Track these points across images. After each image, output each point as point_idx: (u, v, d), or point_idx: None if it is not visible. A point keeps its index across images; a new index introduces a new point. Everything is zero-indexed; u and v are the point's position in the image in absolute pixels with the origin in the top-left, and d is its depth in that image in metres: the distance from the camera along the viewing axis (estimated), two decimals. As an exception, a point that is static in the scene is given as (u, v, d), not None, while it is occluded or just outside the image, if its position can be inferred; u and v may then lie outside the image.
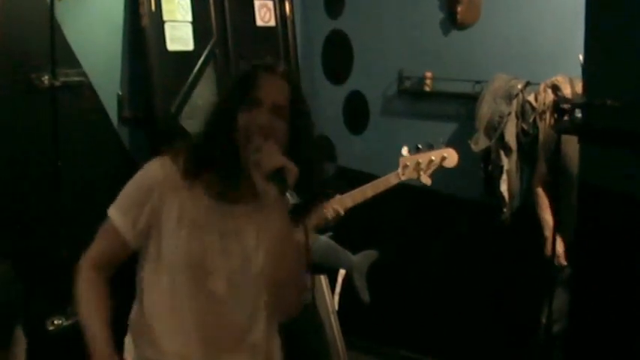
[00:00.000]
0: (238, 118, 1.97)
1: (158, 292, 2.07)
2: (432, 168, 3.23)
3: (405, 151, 3.20)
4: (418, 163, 3.19)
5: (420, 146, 3.22)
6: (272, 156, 1.91)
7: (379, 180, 3.16)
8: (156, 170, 2.05)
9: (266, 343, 2.18)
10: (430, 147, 3.24)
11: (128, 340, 2.17)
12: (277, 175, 1.89)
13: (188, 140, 2.12)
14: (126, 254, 2.09)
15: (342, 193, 3.10)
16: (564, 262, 3.65)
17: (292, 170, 1.90)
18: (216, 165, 2.01)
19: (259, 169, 1.91)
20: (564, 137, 3.27)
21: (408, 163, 3.18)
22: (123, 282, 2.17)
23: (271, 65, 2.07)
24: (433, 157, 3.21)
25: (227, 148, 1.97)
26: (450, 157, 3.25)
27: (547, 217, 3.75)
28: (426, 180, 3.22)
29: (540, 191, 3.84)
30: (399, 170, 3.18)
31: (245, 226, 2.07)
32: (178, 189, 2.02)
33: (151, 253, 2.06)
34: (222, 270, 2.04)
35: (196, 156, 2.03)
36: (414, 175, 3.20)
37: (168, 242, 2.02)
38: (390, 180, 3.18)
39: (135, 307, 2.15)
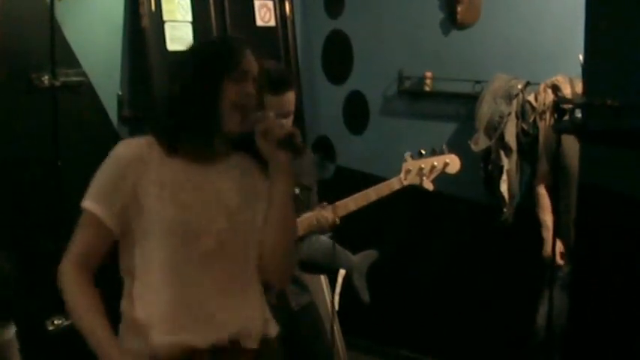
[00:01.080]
0: (225, 88, 2.06)
1: (155, 269, 2.04)
2: (435, 174, 3.23)
3: (407, 156, 3.21)
4: (421, 169, 3.19)
5: (422, 152, 3.22)
6: (281, 124, 2.09)
7: (382, 184, 3.16)
8: (123, 151, 2.08)
9: (255, 306, 2.19)
10: (433, 152, 3.24)
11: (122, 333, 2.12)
12: (288, 141, 2.04)
13: (158, 108, 2.16)
14: (108, 245, 2.08)
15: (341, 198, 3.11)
16: (562, 262, 3.65)
17: (298, 134, 2.06)
18: (196, 128, 2.07)
19: (268, 137, 2.06)
20: (564, 137, 3.27)
21: (411, 169, 3.18)
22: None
23: (246, 41, 2.25)
24: (436, 163, 3.21)
25: (210, 113, 2.06)
26: (453, 163, 3.25)
27: (547, 217, 3.75)
28: (428, 186, 3.23)
29: (542, 191, 3.83)
30: (402, 175, 3.18)
31: (225, 184, 2.12)
32: (150, 161, 2.05)
33: (137, 233, 2.05)
34: (210, 229, 2.06)
35: (177, 120, 2.07)
36: (417, 181, 3.20)
37: (154, 212, 2.02)
38: (393, 185, 3.18)
39: (126, 301, 2.10)
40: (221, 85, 2.06)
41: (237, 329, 2.10)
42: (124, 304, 2.10)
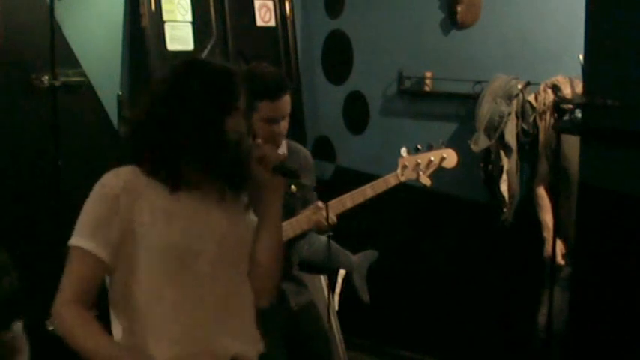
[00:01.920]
0: (226, 124, 2.05)
1: (154, 295, 2.04)
2: (432, 169, 3.22)
3: (404, 151, 3.19)
4: (417, 164, 3.18)
5: (419, 147, 3.21)
6: (274, 151, 2.15)
7: (378, 181, 3.15)
8: (112, 181, 2.05)
9: (252, 327, 2.22)
10: (429, 148, 3.23)
11: None
12: (282, 166, 2.12)
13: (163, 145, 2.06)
14: (101, 279, 2.06)
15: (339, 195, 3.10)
16: (562, 262, 3.65)
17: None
18: (204, 162, 2.07)
19: (264, 163, 2.10)
20: (564, 137, 3.27)
21: (407, 164, 3.17)
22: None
23: (237, 71, 2.17)
24: (432, 158, 3.20)
25: (220, 151, 2.06)
26: (450, 157, 3.24)
27: (547, 217, 3.75)
28: (425, 181, 3.21)
29: (542, 191, 3.84)
30: (398, 171, 3.17)
31: (212, 210, 2.13)
32: (140, 190, 2.03)
33: (132, 264, 2.03)
34: (204, 253, 2.08)
35: (182, 153, 2.05)
36: (413, 176, 3.19)
37: (149, 239, 2.02)
38: (390, 181, 3.17)
39: (120, 330, 2.09)
40: (223, 121, 2.06)
41: (238, 351, 2.12)
42: (121, 338, 2.09)
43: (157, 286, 2.03)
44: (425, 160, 3.19)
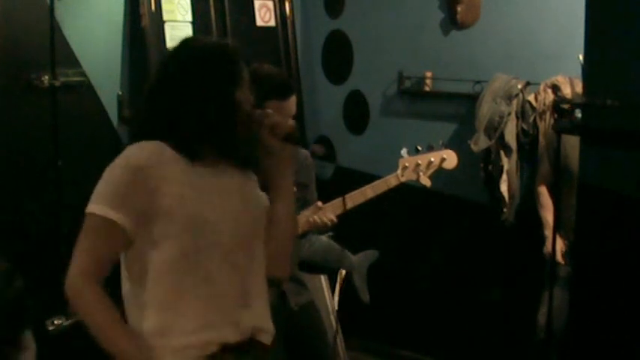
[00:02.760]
0: (236, 96, 2.08)
1: (176, 269, 2.01)
2: (432, 169, 3.22)
3: (404, 152, 3.20)
4: (417, 165, 3.18)
5: (419, 148, 3.21)
6: (284, 119, 2.16)
7: (379, 181, 3.15)
8: (137, 152, 2.01)
9: (266, 303, 2.21)
10: (430, 148, 3.23)
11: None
12: (293, 135, 2.15)
13: (181, 120, 2.07)
14: (121, 248, 2.01)
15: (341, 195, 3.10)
16: (561, 260, 3.65)
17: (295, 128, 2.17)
18: (222, 136, 2.08)
19: (275, 131, 2.12)
20: (565, 137, 3.27)
21: (407, 165, 3.18)
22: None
23: (233, 44, 2.21)
24: (432, 159, 3.20)
25: (234, 120, 2.08)
26: (450, 158, 3.24)
27: (548, 215, 3.75)
28: (425, 181, 3.22)
29: (543, 190, 3.83)
30: (399, 172, 3.18)
31: (229, 185, 2.13)
32: (165, 163, 2.01)
33: (154, 237, 1.99)
34: (226, 227, 2.07)
35: (201, 129, 2.05)
36: (413, 177, 3.19)
37: (173, 211, 1.98)
38: (390, 181, 3.17)
39: (134, 309, 2.05)
40: (234, 94, 2.08)
41: (256, 324, 2.12)
42: (132, 314, 2.04)
43: (181, 259, 2.00)
44: (425, 161, 3.19)
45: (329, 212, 3.02)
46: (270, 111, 2.19)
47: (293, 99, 2.94)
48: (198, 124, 2.05)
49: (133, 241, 1.99)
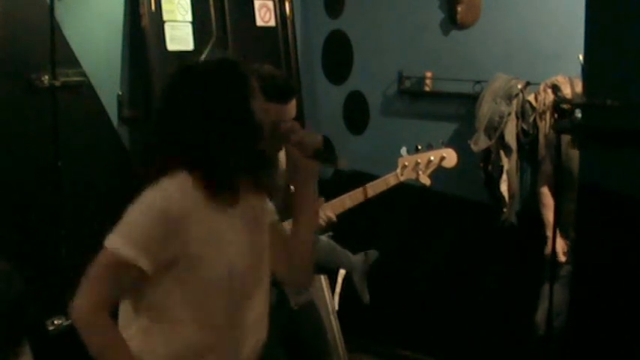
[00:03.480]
0: (254, 109, 1.99)
1: (189, 316, 1.99)
2: (431, 168, 3.23)
3: (403, 151, 3.20)
4: (417, 164, 3.19)
5: (419, 147, 3.21)
6: (312, 135, 2.09)
7: (378, 180, 3.16)
8: (176, 199, 1.91)
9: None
10: (429, 147, 3.23)
11: None
12: (321, 152, 2.08)
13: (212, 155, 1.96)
14: (136, 284, 1.96)
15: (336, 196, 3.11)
16: (562, 258, 3.65)
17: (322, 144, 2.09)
18: (253, 163, 2.03)
19: (302, 147, 2.06)
20: (565, 137, 3.27)
21: (407, 164, 3.18)
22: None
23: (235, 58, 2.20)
24: (432, 157, 3.20)
25: (261, 151, 2.03)
26: (449, 157, 3.25)
27: (550, 216, 3.75)
28: (424, 180, 3.22)
29: (545, 190, 3.83)
30: (398, 171, 3.18)
31: (245, 217, 2.08)
32: (199, 208, 1.94)
33: (180, 277, 1.95)
34: (251, 269, 2.06)
35: (234, 159, 1.98)
36: (413, 176, 3.20)
37: (206, 261, 1.95)
38: (389, 180, 3.18)
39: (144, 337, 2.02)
40: (250, 107, 2.00)
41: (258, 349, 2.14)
42: (138, 340, 2.01)
43: (198, 303, 1.98)
44: (424, 160, 3.19)
45: (328, 210, 3.02)
46: (297, 125, 2.15)
47: (293, 102, 2.93)
48: (230, 150, 1.95)
49: (151, 277, 1.94)
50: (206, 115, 1.95)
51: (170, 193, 1.92)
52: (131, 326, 2.02)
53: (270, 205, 2.21)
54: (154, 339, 2.00)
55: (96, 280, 1.92)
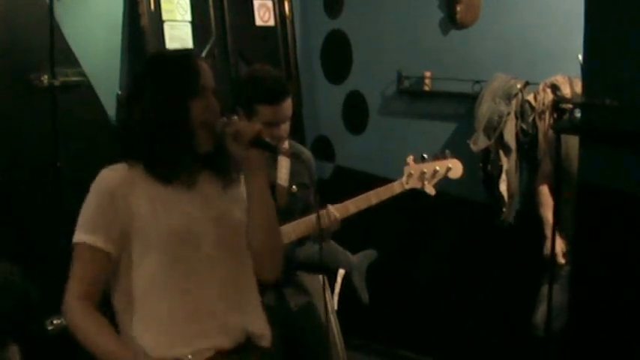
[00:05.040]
0: (192, 106, 2.09)
1: (159, 284, 2.07)
2: (437, 178, 3.24)
3: (410, 159, 3.21)
4: (423, 173, 3.20)
5: (425, 156, 3.23)
6: (249, 125, 2.13)
7: (383, 188, 3.16)
8: (107, 178, 2.11)
9: (258, 307, 2.26)
10: (435, 157, 3.25)
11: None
12: (259, 140, 2.09)
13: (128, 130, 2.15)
14: (107, 273, 2.10)
15: (341, 201, 3.11)
16: (563, 261, 3.65)
17: (264, 132, 2.13)
18: (169, 152, 2.10)
19: (239, 138, 2.08)
20: (568, 139, 3.27)
21: (413, 172, 3.19)
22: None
23: (196, 53, 2.31)
24: (438, 168, 3.21)
25: (181, 135, 2.10)
26: (455, 168, 3.26)
27: (549, 216, 3.75)
28: (430, 190, 3.24)
29: (545, 189, 3.83)
30: (404, 179, 3.19)
31: (208, 193, 2.18)
32: (135, 182, 2.09)
33: (135, 254, 2.08)
34: (206, 235, 2.12)
35: (151, 146, 2.09)
36: (418, 185, 3.21)
37: (150, 227, 2.06)
38: (394, 188, 3.19)
39: (131, 326, 2.10)
40: (187, 105, 2.09)
41: (250, 328, 2.16)
42: (129, 330, 2.10)
43: (161, 274, 2.06)
44: (430, 170, 3.21)
45: (334, 215, 3.02)
46: (234, 117, 2.18)
47: (286, 104, 2.92)
48: (158, 139, 2.08)
49: (117, 260, 2.08)
50: (144, 104, 2.10)
51: (107, 172, 2.13)
52: (128, 329, 2.10)
53: (241, 193, 2.24)
54: (143, 330, 2.08)
55: (72, 275, 2.08)
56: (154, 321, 2.07)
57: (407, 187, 3.20)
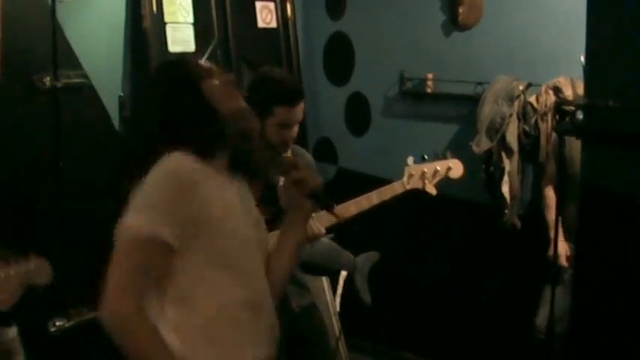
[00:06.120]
0: (202, 89, 2.05)
1: (224, 290, 1.97)
2: (438, 178, 3.25)
3: (410, 160, 3.22)
4: (423, 173, 3.21)
5: (425, 156, 3.24)
6: (313, 175, 2.10)
7: (384, 188, 3.17)
8: (185, 167, 1.94)
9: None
10: (436, 157, 3.26)
11: None
12: (318, 194, 2.07)
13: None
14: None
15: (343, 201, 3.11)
16: (564, 262, 3.64)
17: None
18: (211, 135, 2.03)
19: (300, 186, 2.07)
20: (573, 142, 3.26)
21: (413, 173, 3.20)
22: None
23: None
24: (439, 168, 3.23)
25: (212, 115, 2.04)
26: (456, 167, 3.27)
27: (554, 218, 3.73)
28: (430, 190, 3.25)
29: (550, 192, 3.82)
30: (404, 179, 3.19)
31: (249, 198, 2.16)
32: (204, 175, 1.96)
33: (196, 252, 1.92)
34: (255, 240, 2.08)
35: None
36: (419, 185, 3.22)
37: (224, 231, 1.95)
38: (396, 189, 3.19)
39: (175, 329, 1.92)
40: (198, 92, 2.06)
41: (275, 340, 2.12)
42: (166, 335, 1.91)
43: (221, 276, 1.96)
44: (431, 170, 3.22)
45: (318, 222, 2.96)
46: (301, 162, 2.14)
47: (301, 105, 2.94)
48: (194, 129, 2.01)
49: (177, 257, 1.91)
50: (168, 106, 2.03)
51: (173, 164, 1.93)
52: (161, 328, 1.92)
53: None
54: (187, 332, 1.93)
55: (125, 269, 1.84)
56: (206, 322, 1.95)
57: (408, 187, 3.20)
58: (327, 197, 2.08)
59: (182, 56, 2.32)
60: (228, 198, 2.01)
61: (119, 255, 1.85)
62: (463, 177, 3.29)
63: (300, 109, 2.93)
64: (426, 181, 3.22)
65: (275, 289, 2.14)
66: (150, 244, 1.84)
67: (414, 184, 3.21)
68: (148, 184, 1.89)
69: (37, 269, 2.22)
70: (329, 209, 2.12)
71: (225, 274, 1.96)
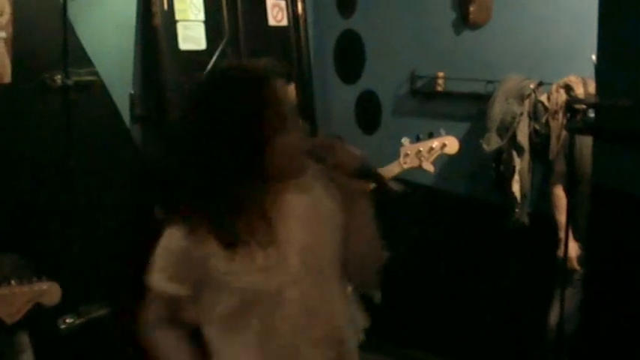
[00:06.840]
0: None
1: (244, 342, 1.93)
2: (434, 155, 3.24)
3: (405, 140, 3.22)
4: (419, 151, 3.20)
5: (420, 136, 3.24)
6: (350, 154, 2.02)
7: (382, 169, 3.16)
8: (175, 235, 1.91)
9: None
10: (430, 136, 3.26)
11: None
12: (360, 170, 2.01)
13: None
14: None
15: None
16: (576, 266, 3.61)
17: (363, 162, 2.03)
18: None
19: (341, 169, 1.99)
20: (583, 141, 3.25)
21: (409, 152, 3.20)
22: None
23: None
24: (434, 145, 3.23)
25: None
26: (451, 144, 3.27)
27: (563, 218, 3.72)
28: (428, 167, 3.23)
29: (560, 192, 3.79)
30: (401, 159, 3.19)
31: (288, 219, 2.00)
32: (212, 245, 1.89)
33: (207, 307, 1.93)
34: (286, 283, 1.95)
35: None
36: (416, 163, 3.21)
37: (226, 288, 1.90)
38: (393, 169, 3.19)
39: None
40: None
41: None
42: None
43: (233, 330, 1.92)
44: (426, 148, 3.22)
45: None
46: (335, 143, 2.04)
47: (290, 88, 2.93)
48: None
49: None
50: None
51: (181, 234, 1.90)
52: None
53: (334, 206, 2.08)
54: None
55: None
56: None
57: (405, 166, 3.20)
58: (369, 170, 2.04)
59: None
60: (237, 253, 1.90)
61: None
62: (459, 152, 3.30)
63: (291, 90, 2.93)
64: (423, 159, 3.22)
65: (363, 268, 2.20)
66: (161, 299, 1.95)
67: (411, 162, 3.21)
68: (157, 249, 1.94)
69: (48, 290, 2.29)
70: (374, 179, 2.11)
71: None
